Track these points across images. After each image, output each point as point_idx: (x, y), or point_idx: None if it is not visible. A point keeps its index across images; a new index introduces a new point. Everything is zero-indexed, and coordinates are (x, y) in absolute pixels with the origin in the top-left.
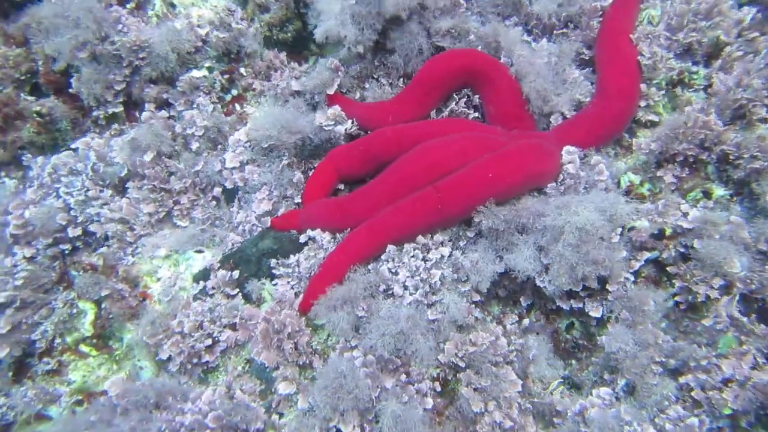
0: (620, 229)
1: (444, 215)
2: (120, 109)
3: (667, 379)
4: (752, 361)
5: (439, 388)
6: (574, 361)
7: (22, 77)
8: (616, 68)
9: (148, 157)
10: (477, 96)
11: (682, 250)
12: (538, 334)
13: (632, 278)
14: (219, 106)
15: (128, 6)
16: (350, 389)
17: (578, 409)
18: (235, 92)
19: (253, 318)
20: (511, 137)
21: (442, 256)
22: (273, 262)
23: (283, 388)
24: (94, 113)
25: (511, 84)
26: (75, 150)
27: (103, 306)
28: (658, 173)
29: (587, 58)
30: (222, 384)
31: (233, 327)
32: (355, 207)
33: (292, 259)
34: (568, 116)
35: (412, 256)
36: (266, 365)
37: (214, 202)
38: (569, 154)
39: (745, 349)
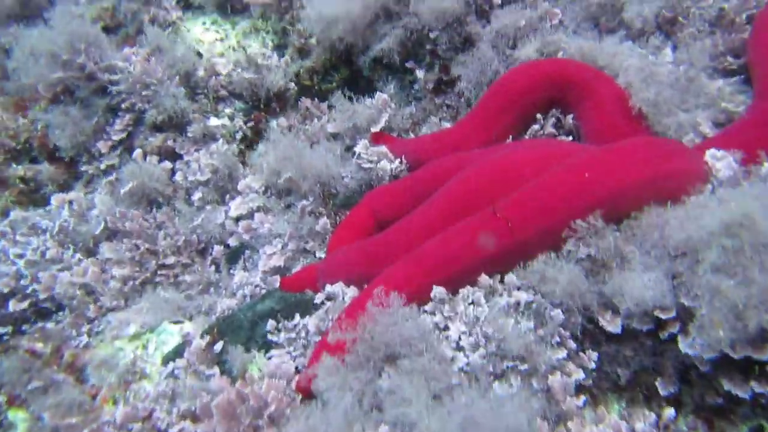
0: None
1: (517, 239)
2: (115, 161)
3: None
4: None
5: None
6: None
7: (19, 146)
8: None
9: (125, 187)
10: (570, 116)
11: None
12: None
13: None
14: (234, 147)
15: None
16: None
17: None
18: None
19: (221, 393)
20: None
21: (518, 303)
22: (270, 324)
23: None
24: (83, 169)
25: (616, 94)
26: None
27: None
28: None
29: (734, 67)
30: None
31: (194, 417)
32: (390, 247)
33: (297, 319)
34: (708, 135)
35: (471, 303)
36: None
37: (212, 267)
38: (717, 158)
39: None
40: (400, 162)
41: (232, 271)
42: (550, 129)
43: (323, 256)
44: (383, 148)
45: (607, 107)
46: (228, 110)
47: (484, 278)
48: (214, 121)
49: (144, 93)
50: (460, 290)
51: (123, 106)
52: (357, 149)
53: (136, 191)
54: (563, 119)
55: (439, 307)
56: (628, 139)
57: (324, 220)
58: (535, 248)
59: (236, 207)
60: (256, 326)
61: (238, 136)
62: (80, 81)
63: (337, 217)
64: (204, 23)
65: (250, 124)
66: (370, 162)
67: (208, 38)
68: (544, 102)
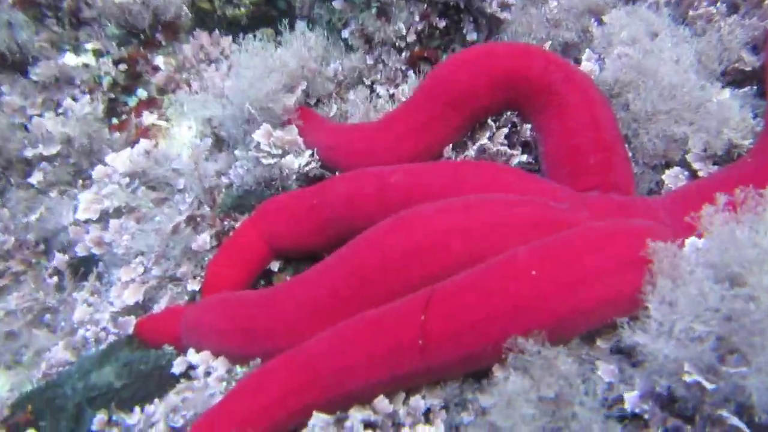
0: None
1: (429, 359)
2: None
3: None
4: None
5: None
6: None
7: None
8: None
9: None
10: (528, 126)
11: None
12: None
13: None
14: (100, 105)
15: None
16: None
17: None
18: (143, 95)
19: None
20: (588, 206)
21: None
22: (98, 422)
23: None
24: None
25: (592, 105)
26: None
27: None
28: None
29: (747, 69)
30: None
31: None
32: (270, 314)
33: (137, 417)
34: (699, 172)
35: None
36: None
37: (53, 279)
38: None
39: None
40: (311, 156)
41: (77, 294)
42: (501, 144)
43: (197, 289)
44: (293, 133)
45: (577, 121)
46: (91, 45)
47: (382, 403)
48: (71, 59)
49: None
50: (350, 416)
51: None
52: (256, 136)
53: None
54: (520, 128)
55: None
56: (601, 225)
57: (204, 237)
58: (451, 370)
59: (86, 206)
60: (83, 414)
61: (106, 81)
62: None
63: (225, 223)
64: None
65: (123, 66)
66: (273, 156)
67: None
68: (496, 104)
